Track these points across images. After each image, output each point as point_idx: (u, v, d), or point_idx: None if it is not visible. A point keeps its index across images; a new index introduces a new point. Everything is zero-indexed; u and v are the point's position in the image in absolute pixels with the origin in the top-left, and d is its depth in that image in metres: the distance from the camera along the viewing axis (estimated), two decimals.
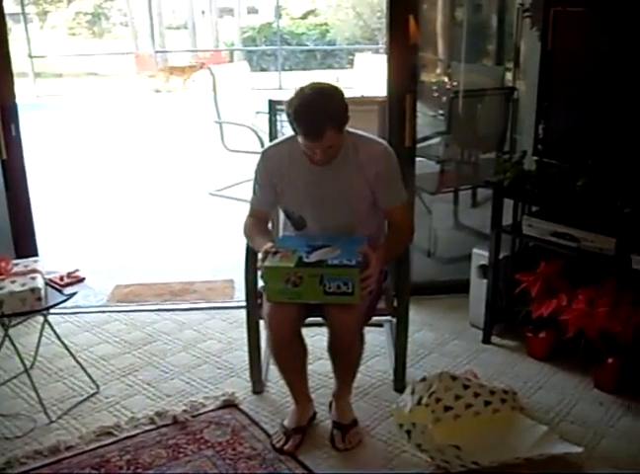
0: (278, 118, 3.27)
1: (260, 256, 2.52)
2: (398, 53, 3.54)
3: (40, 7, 25.01)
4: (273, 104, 3.25)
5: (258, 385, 3.08)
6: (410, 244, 2.90)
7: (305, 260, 2.44)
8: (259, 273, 2.63)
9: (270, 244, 2.55)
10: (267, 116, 6.36)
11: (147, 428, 2.85)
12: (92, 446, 2.75)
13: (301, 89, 2.51)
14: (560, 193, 3.05)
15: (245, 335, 3.11)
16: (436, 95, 4.57)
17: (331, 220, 2.67)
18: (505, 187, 3.22)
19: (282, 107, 3.20)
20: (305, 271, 2.40)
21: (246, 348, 3.11)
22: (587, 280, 3.12)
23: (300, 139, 2.52)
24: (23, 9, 15.56)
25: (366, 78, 6.67)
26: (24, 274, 2.95)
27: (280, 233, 2.92)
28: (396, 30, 3.52)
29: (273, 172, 2.72)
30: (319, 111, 2.45)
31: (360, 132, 2.69)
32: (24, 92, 12.82)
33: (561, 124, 3.22)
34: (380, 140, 2.77)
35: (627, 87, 2.96)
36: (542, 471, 2.53)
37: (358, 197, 2.67)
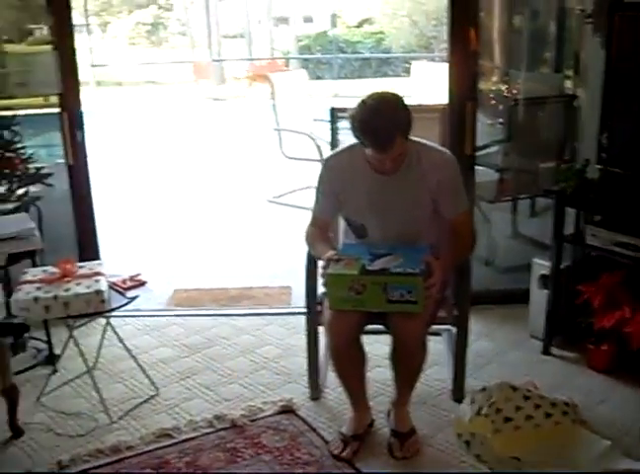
0: (339, 125, 3.27)
1: (322, 263, 2.54)
2: (459, 61, 3.54)
3: (102, 18, 25.53)
4: (334, 111, 3.25)
5: (316, 391, 3.09)
6: (472, 253, 2.87)
7: (369, 268, 2.44)
8: (320, 280, 2.65)
9: (332, 252, 2.56)
10: (324, 123, 6.44)
11: (206, 431, 2.89)
12: (151, 447, 2.80)
13: (364, 101, 2.51)
14: (624, 202, 2.99)
15: (302, 341, 3.13)
16: (493, 103, 4.53)
17: (393, 228, 2.67)
18: (567, 195, 3.18)
19: (344, 114, 3.22)
20: (369, 278, 2.41)
21: (303, 354, 3.13)
22: None
23: (368, 151, 2.52)
24: (87, 20, 15.91)
25: (423, 86, 6.66)
26: (88, 276, 3.01)
27: (341, 241, 2.93)
28: (457, 37, 3.52)
29: (335, 180, 2.73)
30: (386, 121, 2.44)
31: (422, 141, 2.68)
32: (86, 100, 13.12)
33: (625, 132, 3.17)
34: (443, 148, 2.77)
35: None
36: None
37: (420, 205, 2.67)
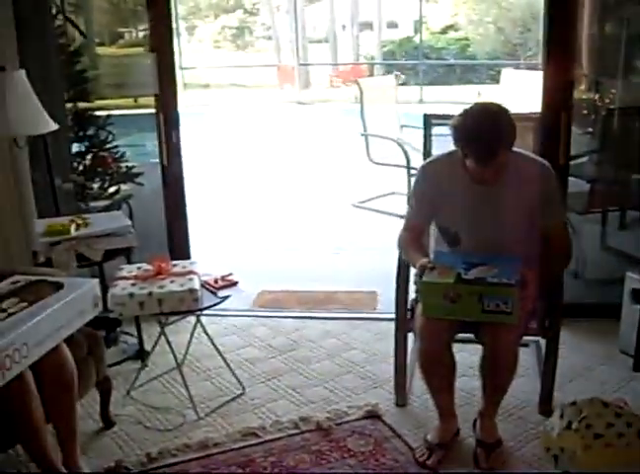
0: (432, 132, 3.26)
1: (416, 271, 2.54)
2: (555, 69, 3.49)
3: (190, 22, 26.06)
4: (428, 118, 3.24)
5: (401, 398, 3.09)
6: (569, 265, 2.83)
7: (464, 277, 2.44)
8: (411, 286, 2.65)
9: (426, 259, 2.56)
10: (411, 129, 6.43)
11: (291, 432, 2.92)
12: (238, 445, 2.84)
13: (468, 110, 2.51)
14: None
15: (388, 347, 3.14)
16: (584, 112, 4.45)
17: (486, 238, 2.65)
18: None
19: (438, 121, 3.22)
20: (464, 288, 2.41)
21: (389, 360, 3.14)
22: None
23: (469, 162, 2.52)
24: (177, 24, 16.25)
25: (513, 94, 6.57)
26: (182, 274, 3.08)
27: (432, 248, 2.93)
28: (554, 44, 3.48)
29: (432, 187, 2.74)
30: (491, 134, 2.44)
31: (520, 150, 2.67)
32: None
33: None
34: (541, 158, 2.74)
35: None
36: None
37: (517, 215, 2.65)
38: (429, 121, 3.25)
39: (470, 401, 3.02)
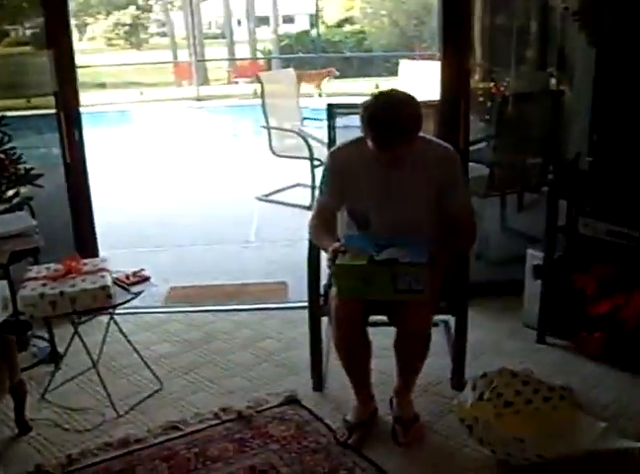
0: (336, 122, 3.33)
1: (329, 255, 2.59)
2: (452, 58, 3.61)
3: (80, 19, 25.41)
4: (331, 108, 3.31)
5: (318, 382, 3.15)
6: (473, 245, 2.95)
7: (376, 258, 2.51)
8: (322, 272, 2.71)
9: (338, 243, 2.62)
10: (313, 122, 6.51)
11: (212, 422, 2.93)
12: (160, 440, 2.84)
13: (377, 96, 2.59)
14: (615, 193, 3.08)
15: (302, 334, 3.20)
16: (481, 99, 4.61)
17: (396, 221, 2.72)
18: (560, 187, 3.26)
19: (342, 111, 3.29)
20: (377, 268, 2.47)
21: (304, 347, 3.20)
22: None
23: (369, 143, 2.59)
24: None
25: (411, 84, 6.73)
26: (93, 272, 3.05)
27: (342, 232, 2.99)
28: (450, 36, 3.59)
29: (340, 172, 2.79)
30: (392, 122, 2.50)
31: (427, 136, 2.76)
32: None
33: (616, 125, 3.26)
34: (446, 144, 2.84)
35: None
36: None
37: (423, 198, 2.74)
38: (332, 112, 3.31)
39: (386, 381, 3.09)
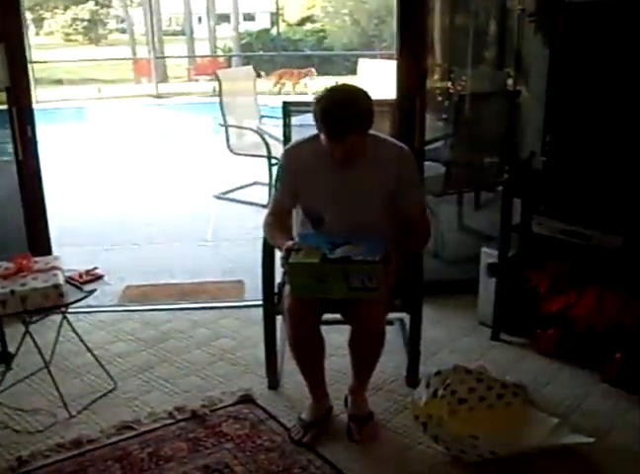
0: (292, 120, 3.32)
1: (282, 253, 2.58)
2: (408, 56, 3.63)
3: (37, 13, 25.05)
4: (287, 106, 3.30)
5: (273, 381, 3.14)
6: (427, 244, 2.96)
7: (330, 256, 2.50)
8: (277, 270, 2.69)
9: (292, 241, 2.61)
10: (271, 120, 6.48)
11: (166, 422, 2.91)
12: (113, 440, 2.80)
13: (330, 89, 2.59)
14: (568, 191, 3.12)
15: (257, 333, 3.19)
16: (439, 99, 4.64)
17: (350, 219, 2.72)
18: (514, 186, 3.29)
19: (297, 108, 3.28)
20: (330, 266, 2.46)
21: (260, 345, 3.18)
22: (595, 278, 3.19)
23: (323, 137, 2.59)
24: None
25: (370, 83, 6.74)
26: (45, 271, 3.00)
27: (297, 231, 2.98)
28: (406, 33, 3.61)
29: (295, 170, 2.79)
30: (345, 114, 2.50)
31: (380, 134, 2.77)
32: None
33: (569, 124, 3.30)
34: (400, 143, 2.84)
35: (635, 86, 3.03)
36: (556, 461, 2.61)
37: (377, 196, 2.74)
38: (288, 109, 3.30)
39: (340, 379, 3.10)
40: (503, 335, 3.57)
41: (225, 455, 2.68)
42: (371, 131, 2.71)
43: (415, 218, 2.79)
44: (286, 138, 3.34)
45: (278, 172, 2.85)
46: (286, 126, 3.34)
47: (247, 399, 3.04)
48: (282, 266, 2.57)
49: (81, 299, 3.00)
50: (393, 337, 3.51)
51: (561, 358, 3.33)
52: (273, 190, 2.89)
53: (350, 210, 2.72)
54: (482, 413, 2.70)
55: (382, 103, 3.47)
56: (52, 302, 2.89)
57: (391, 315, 3.28)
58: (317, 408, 2.84)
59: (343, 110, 2.51)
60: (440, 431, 2.59)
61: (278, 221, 2.83)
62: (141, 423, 2.91)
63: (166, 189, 7.01)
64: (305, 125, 3.21)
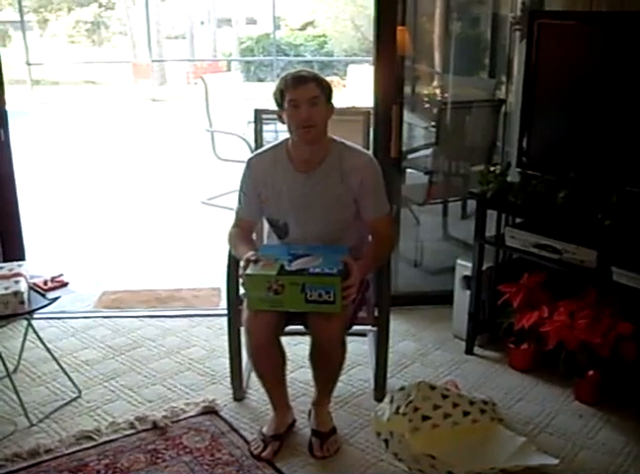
0: (263, 127, 3.27)
1: (241, 264, 2.53)
2: (384, 64, 3.59)
3: (41, 15, 25.06)
4: (258, 113, 3.25)
5: (239, 392, 3.08)
6: (391, 255, 2.91)
7: (287, 268, 2.45)
8: (240, 280, 2.64)
9: (251, 252, 2.56)
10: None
11: (127, 432, 2.86)
12: (71, 450, 2.75)
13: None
14: (542, 205, 3.06)
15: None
16: (427, 106, 4.59)
17: (314, 229, 2.69)
18: (488, 198, 3.24)
19: (269, 116, 3.23)
20: (287, 279, 2.42)
21: (228, 355, 3.13)
22: (568, 292, 3.14)
23: (288, 96, 2.57)
24: (22, 17, 15.53)
25: (357, 89, 6.68)
26: (7, 277, 2.96)
27: (264, 242, 2.94)
28: (383, 41, 3.57)
29: (258, 180, 2.75)
30: (306, 72, 2.61)
31: (345, 141, 2.72)
32: (20, 99, 12.84)
33: (544, 137, 3.25)
34: (365, 151, 2.80)
35: (609, 100, 2.98)
36: None
37: (340, 205, 2.69)
38: (259, 116, 3.25)
39: (307, 392, 3.05)
40: (477, 349, 3.52)
41: (182, 468, 2.63)
42: (338, 138, 2.68)
43: (379, 229, 2.75)
44: (258, 146, 3.29)
45: (241, 183, 2.81)
46: (258, 133, 3.29)
47: (210, 410, 2.99)
48: (240, 277, 2.52)
49: (42, 307, 2.94)
50: (366, 349, 3.47)
51: (534, 374, 3.28)
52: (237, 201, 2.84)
53: (313, 220, 2.68)
54: (446, 431, 2.65)
55: (357, 111, 3.42)
56: (12, 310, 2.84)
57: (365, 327, 3.23)
58: (278, 421, 2.79)
59: (304, 73, 2.60)
60: (400, 449, 2.54)
61: (241, 233, 2.80)
62: (101, 433, 2.86)
63: (153, 193, 6.97)
64: (281, 132, 3.16)
